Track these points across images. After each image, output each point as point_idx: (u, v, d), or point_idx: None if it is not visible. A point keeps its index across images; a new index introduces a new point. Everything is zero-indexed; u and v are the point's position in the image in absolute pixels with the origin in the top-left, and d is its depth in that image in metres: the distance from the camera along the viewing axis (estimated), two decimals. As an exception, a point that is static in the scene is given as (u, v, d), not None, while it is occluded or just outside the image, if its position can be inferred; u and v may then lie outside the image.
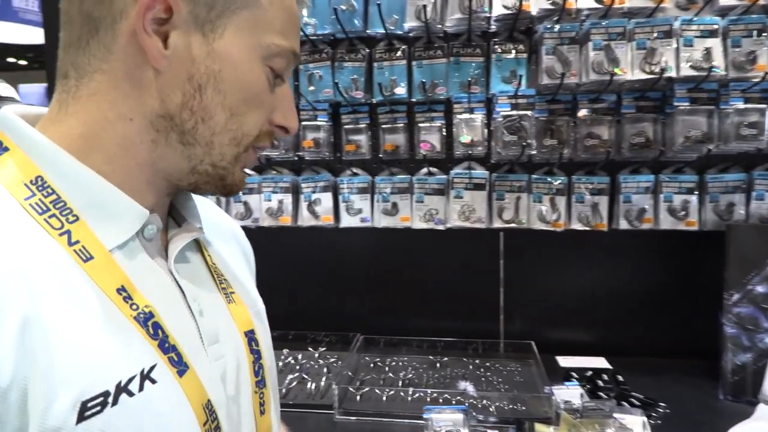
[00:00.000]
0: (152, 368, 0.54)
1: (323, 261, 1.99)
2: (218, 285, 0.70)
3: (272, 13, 0.60)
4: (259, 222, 1.88)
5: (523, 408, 1.44)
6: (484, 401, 1.46)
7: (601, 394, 1.54)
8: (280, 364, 1.73)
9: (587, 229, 1.72)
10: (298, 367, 1.70)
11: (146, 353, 0.54)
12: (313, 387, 1.55)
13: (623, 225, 1.70)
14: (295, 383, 1.59)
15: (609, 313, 1.86)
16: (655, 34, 1.57)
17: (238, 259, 0.82)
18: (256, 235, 1.88)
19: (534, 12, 1.64)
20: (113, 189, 0.57)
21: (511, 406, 1.44)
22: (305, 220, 1.86)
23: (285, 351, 1.80)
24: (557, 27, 1.62)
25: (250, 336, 0.70)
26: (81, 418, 0.48)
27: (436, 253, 1.94)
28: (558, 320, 1.90)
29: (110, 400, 0.50)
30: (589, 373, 1.67)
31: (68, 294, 0.51)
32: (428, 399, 1.48)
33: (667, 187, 1.67)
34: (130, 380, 0.52)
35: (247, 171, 1.87)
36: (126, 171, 0.58)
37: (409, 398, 1.49)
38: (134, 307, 0.55)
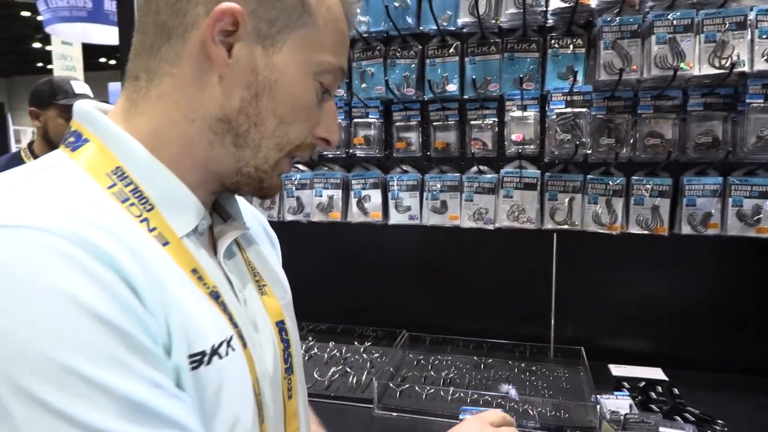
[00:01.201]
0: (231, 338, 0.60)
1: (372, 257, 2.01)
2: (253, 278, 0.74)
3: (325, 34, 0.65)
4: (311, 217, 1.92)
5: (567, 415, 1.39)
6: (526, 406, 1.43)
7: (652, 406, 1.46)
8: (326, 356, 1.76)
9: (646, 233, 1.64)
10: (342, 361, 1.73)
11: (225, 325, 0.61)
12: (354, 381, 1.57)
13: (686, 230, 1.60)
14: (337, 376, 1.61)
15: (668, 323, 1.76)
16: (727, 26, 1.46)
17: (269, 251, 0.85)
18: (307, 229, 1.96)
19: (593, 5, 1.58)
20: (180, 183, 0.62)
21: (553, 413, 1.40)
22: (354, 216, 1.88)
23: (331, 344, 1.84)
24: (617, 20, 1.54)
25: (281, 326, 0.74)
26: (190, 368, 0.55)
27: (486, 252, 1.90)
28: (612, 327, 1.82)
29: (205, 359, 0.56)
30: (642, 383, 1.59)
31: (165, 267, 0.56)
32: (468, 400, 1.46)
33: (736, 191, 1.56)
34: (220, 345, 0.58)
35: (300, 167, 1.93)
36: (185, 168, 0.63)
37: (449, 398, 1.47)
38: (206, 285, 0.61)
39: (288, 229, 1.93)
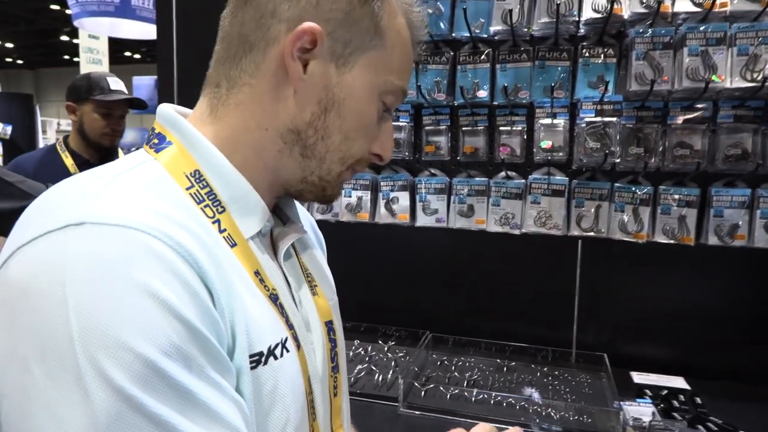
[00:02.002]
0: (285, 340, 0.64)
1: (398, 258, 2.04)
2: (306, 279, 0.77)
3: (393, 56, 0.68)
4: (339, 217, 1.96)
5: (590, 420, 1.41)
6: (549, 410, 1.45)
7: (675, 414, 1.47)
8: (351, 354, 1.80)
9: (672, 242, 1.65)
10: (367, 359, 1.77)
11: (281, 327, 0.64)
12: (380, 379, 1.61)
13: (712, 240, 1.62)
14: (363, 373, 1.65)
15: (692, 332, 1.77)
16: (760, 40, 1.47)
17: (319, 253, 0.89)
18: (335, 228, 2.00)
19: (626, 16, 1.59)
20: (250, 188, 0.65)
21: (576, 418, 1.42)
22: (382, 217, 1.92)
23: (356, 342, 1.88)
24: (650, 31, 1.56)
25: (329, 326, 0.77)
26: (249, 367, 0.58)
27: (511, 257, 1.93)
28: (636, 335, 1.84)
29: (263, 360, 0.59)
30: (665, 392, 1.61)
31: (230, 270, 0.59)
32: (492, 402, 1.50)
33: (765, 203, 1.57)
34: (276, 346, 0.61)
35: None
36: (256, 173, 0.67)
37: (473, 399, 1.51)
38: (266, 288, 0.64)
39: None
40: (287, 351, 0.63)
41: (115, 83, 2.49)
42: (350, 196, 1.94)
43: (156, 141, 0.65)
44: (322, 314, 0.76)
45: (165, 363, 0.47)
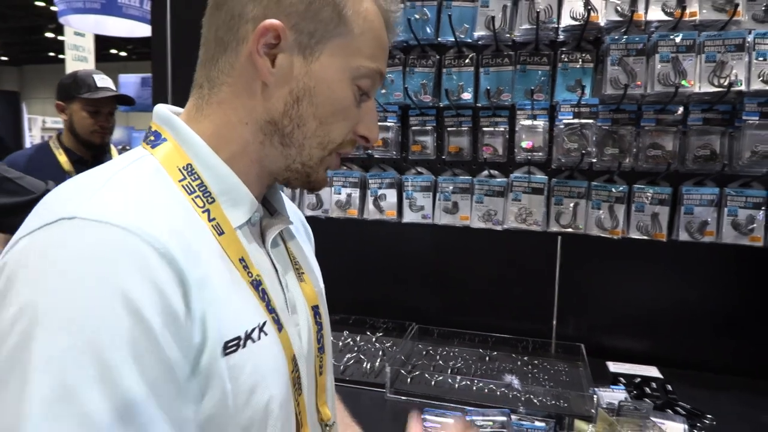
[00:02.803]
0: (264, 323, 0.67)
1: (385, 253, 2.12)
2: (293, 266, 0.82)
3: (362, 41, 0.71)
4: (329, 213, 2.03)
5: (566, 405, 1.50)
6: (529, 395, 1.54)
7: (646, 399, 1.56)
8: (340, 344, 1.87)
9: (645, 238, 1.74)
10: (356, 348, 1.84)
11: (260, 311, 0.67)
12: (368, 367, 1.68)
13: (683, 236, 1.71)
14: (352, 362, 1.72)
15: (666, 325, 1.86)
16: (726, 48, 1.57)
17: (305, 243, 0.95)
18: (325, 225, 2.07)
19: (602, 23, 1.68)
20: (238, 180, 0.70)
21: (553, 402, 1.51)
22: (371, 213, 1.99)
23: (345, 332, 1.95)
24: (624, 38, 1.65)
25: (315, 310, 0.82)
26: (224, 353, 0.61)
27: (493, 252, 2.01)
28: (612, 327, 1.93)
29: (241, 343, 0.63)
30: (638, 379, 1.70)
31: (214, 259, 0.63)
32: (474, 388, 1.58)
33: (732, 201, 1.66)
34: (253, 330, 0.65)
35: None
36: (243, 165, 0.71)
37: (456, 386, 1.59)
38: (250, 274, 0.68)
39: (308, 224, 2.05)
40: (265, 334, 0.67)
41: (102, 80, 2.50)
42: (340, 193, 2.01)
43: (152, 138, 0.70)
44: (309, 299, 0.81)
45: (114, 361, 0.50)
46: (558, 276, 1.98)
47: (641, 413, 1.24)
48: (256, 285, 0.68)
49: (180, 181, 0.66)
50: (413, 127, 1.97)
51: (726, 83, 1.56)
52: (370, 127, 0.76)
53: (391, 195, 1.97)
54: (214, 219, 0.66)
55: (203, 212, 0.65)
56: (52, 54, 18.07)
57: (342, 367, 1.69)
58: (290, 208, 0.95)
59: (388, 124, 1.97)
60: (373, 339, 1.93)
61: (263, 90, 0.69)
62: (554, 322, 1.99)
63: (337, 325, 2.05)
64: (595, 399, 1.43)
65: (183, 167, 0.67)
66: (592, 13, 1.66)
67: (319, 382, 0.82)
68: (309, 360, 0.78)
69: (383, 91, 1.95)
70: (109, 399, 0.49)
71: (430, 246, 2.08)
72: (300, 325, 0.77)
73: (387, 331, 2.02)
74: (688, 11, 1.59)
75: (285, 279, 0.76)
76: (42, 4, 13.02)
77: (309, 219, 2.08)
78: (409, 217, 1.97)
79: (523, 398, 1.53)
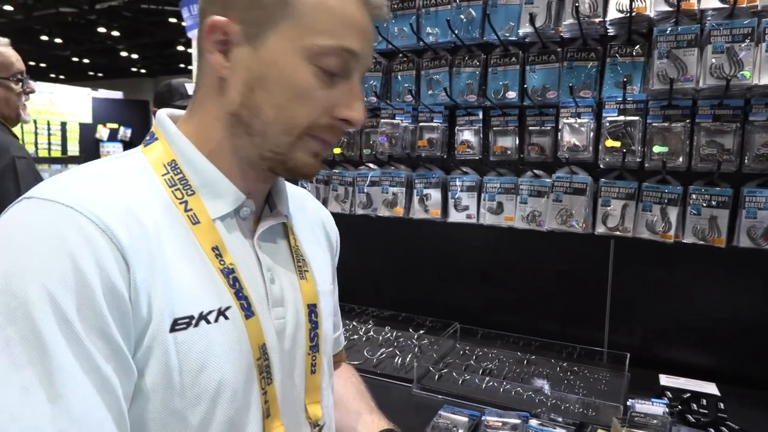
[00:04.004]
0: (227, 308, 0.70)
1: (432, 251, 2.14)
2: (295, 263, 0.84)
3: (313, 18, 0.69)
4: (377, 212, 2.09)
5: (594, 414, 1.44)
6: (556, 401, 1.49)
7: (688, 416, 1.46)
8: (380, 338, 1.93)
9: (702, 243, 1.62)
10: (395, 344, 1.89)
11: (225, 297, 0.71)
12: (399, 362, 1.72)
13: (745, 242, 1.56)
14: (385, 356, 1.77)
15: (726, 338, 1.72)
16: (791, 35, 1.41)
17: (320, 245, 0.97)
18: (375, 223, 2.14)
19: (652, 14, 1.59)
20: (219, 174, 0.74)
21: (581, 410, 1.45)
22: (416, 212, 2.03)
23: (387, 328, 2.00)
24: (673, 29, 1.54)
25: (312, 308, 0.83)
26: (172, 329, 0.65)
27: (543, 254, 1.96)
28: (669, 338, 1.81)
29: (193, 322, 0.67)
30: (687, 395, 1.58)
31: (180, 244, 0.69)
32: (501, 390, 1.56)
33: (802, 205, 1.50)
34: (210, 312, 0.69)
35: (371, 165, 2.11)
36: (223, 159, 0.75)
37: (483, 386, 1.58)
38: (222, 262, 0.72)
39: (358, 222, 2.13)
40: (226, 318, 0.70)
41: (192, 88, 2.77)
42: (387, 192, 2.07)
43: (147, 138, 0.79)
44: (306, 297, 0.82)
45: (38, 310, 0.56)
46: (611, 281, 1.89)
47: (656, 426, 1.17)
48: (227, 273, 0.72)
49: (163, 175, 0.73)
50: (459, 127, 1.98)
51: (789, 74, 1.40)
52: (351, 107, 0.74)
53: (436, 194, 1.99)
54: (190, 210, 0.72)
55: (180, 203, 0.72)
56: (182, 65, 19.91)
57: (375, 360, 1.75)
58: (310, 207, 0.99)
59: (434, 124, 2.00)
60: (415, 336, 1.96)
61: (223, 85, 0.73)
62: (606, 330, 1.90)
63: (385, 321, 2.11)
64: (620, 409, 1.36)
65: (167, 163, 0.74)
66: (639, 4, 1.58)
67: (312, 380, 0.83)
68: (291, 355, 0.80)
69: (430, 92, 1.98)
70: (53, 327, 0.56)
71: (478, 246, 2.08)
72: (285, 318, 0.79)
73: (432, 329, 2.04)
74: (747, -4, 1.46)
75: (271, 273, 0.78)
76: (174, 20, 14.39)
77: (359, 218, 2.18)
78: (454, 216, 1.98)
79: (549, 404, 1.49)
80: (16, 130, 2.19)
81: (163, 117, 0.79)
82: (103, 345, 0.60)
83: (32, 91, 2.18)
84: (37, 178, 1.96)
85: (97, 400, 0.59)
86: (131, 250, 0.63)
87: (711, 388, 1.64)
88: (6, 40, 2.09)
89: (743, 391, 1.62)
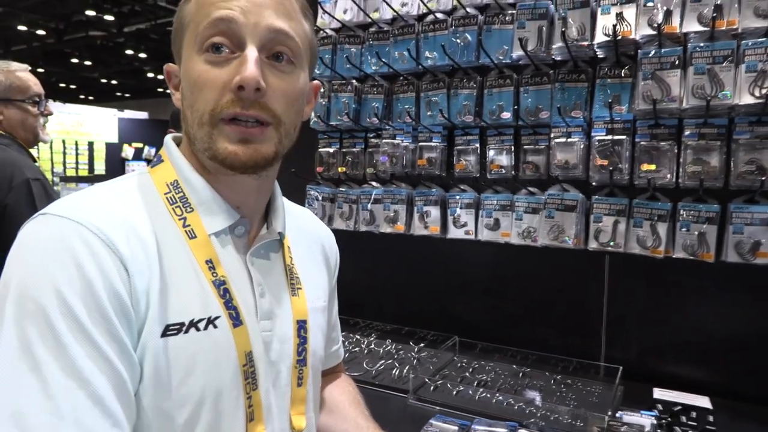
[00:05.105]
0: (217, 318, 0.76)
1: (432, 267, 2.20)
2: (288, 280, 0.89)
3: (195, 19, 0.78)
4: (380, 228, 2.17)
5: (582, 425, 1.48)
6: (546, 412, 1.54)
7: (676, 428, 1.49)
8: (381, 351, 1.99)
9: (691, 258, 1.65)
10: (395, 356, 1.95)
11: (215, 307, 0.77)
12: (396, 373, 1.78)
13: (732, 257, 1.60)
14: (383, 368, 1.84)
15: (719, 352, 1.74)
16: (769, 56, 1.46)
17: (317, 263, 1.02)
18: (378, 239, 2.21)
19: (637, 38, 1.65)
20: (213, 193, 0.81)
21: (570, 421, 1.49)
22: (416, 229, 2.10)
23: (388, 341, 2.07)
24: (657, 51, 1.60)
25: (301, 324, 0.89)
26: (163, 334, 0.72)
27: (540, 269, 2.01)
28: (663, 351, 1.83)
29: (183, 329, 0.73)
30: (678, 407, 1.61)
31: (176, 257, 0.76)
32: (493, 401, 1.61)
33: (788, 220, 1.53)
34: (200, 320, 0.75)
35: (374, 183, 2.19)
36: (209, 176, 0.82)
37: (476, 397, 1.63)
38: (214, 274, 0.78)
39: (361, 239, 2.21)
40: (215, 327, 0.76)
41: None
42: (389, 210, 2.14)
43: (155, 160, 0.88)
44: (296, 313, 0.88)
45: (54, 312, 0.63)
46: (606, 296, 1.92)
47: (632, 435, 1.21)
48: (218, 284, 0.78)
49: (165, 194, 0.81)
50: (458, 147, 2.05)
51: (765, 93, 1.45)
52: (240, 72, 0.74)
53: (436, 212, 2.06)
54: (188, 225, 0.79)
55: (179, 219, 0.79)
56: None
57: (374, 372, 1.81)
58: (309, 226, 1.05)
59: (433, 144, 2.07)
60: (415, 349, 2.02)
61: (184, 113, 0.83)
62: (603, 344, 1.94)
63: (387, 334, 2.17)
64: (605, 420, 1.40)
65: (170, 183, 0.82)
66: (624, 29, 1.64)
67: (298, 392, 0.88)
68: (277, 365, 0.85)
69: (429, 113, 2.06)
70: (67, 325, 0.64)
71: (477, 261, 2.13)
72: (273, 331, 0.84)
73: (432, 343, 2.10)
74: (726, 20, 1.51)
75: (261, 287, 0.84)
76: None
77: (363, 234, 2.25)
78: (453, 233, 2.04)
79: (539, 414, 1.54)
80: (45, 150, 2.33)
81: (168, 141, 0.87)
82: (113, 341, 0.67)
83: (50, 114, 2.31)
84: (51, 198, 2.08)
85: (110, 391, 0.66)
86: (131, 261, 0.70)
87: (704, 402, 1.66)
88: (25, 66, 2.23)
89: (736, 405, 1.64)
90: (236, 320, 0.78)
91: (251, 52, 0.75)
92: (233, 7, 0.75)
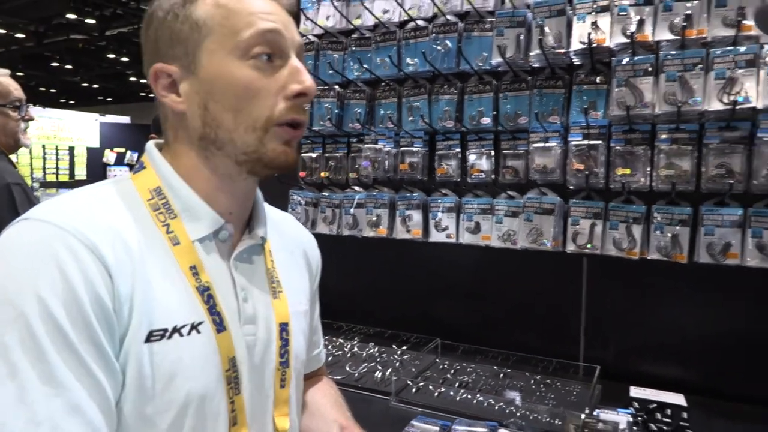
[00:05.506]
0: (200, 323, 0.77)
1: (415, 270, 2.23)
2: (270, 284, 0.90)
3: (228, 23, 0.78)
4: (363, 232, 2.19)
5: (560, 423, 1.51)
6: (526, 412, 1.57)
7: (651, 425, 1.53)
8: (364, 354, 2.01)
9: (665, 259, 1.70)
10: (378, 359, 1.97)
11: (198, 312, 0.77)
12: (379, 376, 1.80)
13: (704, 259, 1.65)
14: (366, 371, 1.86)
15: (693, 351, 1.79)
16: (736, 64, 1.52)
17: (298, 268, 1.02)
18: (360, 244, 2.24)
19: (612, 45, 1.70)
20: (198, 199, 0.81)
21: (548, 420, 1.53)
22: (399, 233, 2.12)
23: (371, 344, 2.09)
24: (630, 59, 1.65)
25: (283, 327, 0.89)
26: (147, 340, 0.72)
27: (520, 271, 2.04)
28: (639, 351, 1.88)
29: (167, 335, 0.73)
30: (653, 405, 1.65)
31: (160, 263, 0.76)
32: (474, 401, 1.64)
33: (756, 222, 1.58)
34: (183, 326, 0.75)
35: (356, 188, 2.22)
36: (201, 183, 0.82)
37: (458, 398, 1.66)
38: (198, 280, 0.78)
39: (344, 243, 2.23)
40: (198, 332, 0.76)
41: None
42: (371, 214, 2.17)
43: (137, 166, 0.88)
44: (278, 316, 0.88)
45: (34, 318, 0.64)
46: (584, 297, 1.97)
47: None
48: (202, 290, 0.79)
49: (149, 200, 0.81)
50: (439, 152, 2.08)
51: (732, 100, 1.50)
52: (298, 82, 0.79)
53: (418, 216, 2.09)
54: (172, 232, 0.79)
55: (163, 225, 0.79)
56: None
57: (356, 374, 1.83)
58: (292, 231, 1.06)
59: (415, 149, 2.10)
60: (398, 352, 2.04)
61: (184, 118, 0.82)
62: (582, 344, 1.98)
63: (371, 338, 2.19)
64: (581, 418, 1.44)
65: (153, 189, 0.82)
66: (599, 36, 1.69)
67: (281, 394, 0.89)
68: (260, 369, 0.85)
69: (410, 118, 2.09)
70: (47, 331, 0.64)
71: (459, 265, 2.16)
72: (256, 335, 0.85)
73: (415, 345, 2.12)
74: (696, 29, 1.57)
75: (244, 292, 0.85)
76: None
77: (346, 239, 2.26)
78: (435, 236, 2.07)
79: (519, 414, 1.57)
80: (24, 155, 2.32)
81: (150, 147, 0.87)
82: (93, 349, 0.67)
83: (31, 119, 2.30)
84: (32, 203, 2.07)
85: (88, 398, 0.66)
86: (115, 267, 0.71)
87: (679, 399, 1.71)
88: (6, 71, 2.22)
89: (709, 402, 1.68)
90: (220, 326, 0.79)
91: (299, 63, 0.81)
92: (275, 20, 0.80)
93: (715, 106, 1.54)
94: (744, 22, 1.51)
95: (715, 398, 1.70)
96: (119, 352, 0.71)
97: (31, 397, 0.63)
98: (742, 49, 1.52)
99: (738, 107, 1.50)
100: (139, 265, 0.74)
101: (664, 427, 1.53)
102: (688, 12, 1.58)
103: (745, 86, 1.50)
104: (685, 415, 1.60)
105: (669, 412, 1.62)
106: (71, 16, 10.53)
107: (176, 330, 0.75)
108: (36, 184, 8.07)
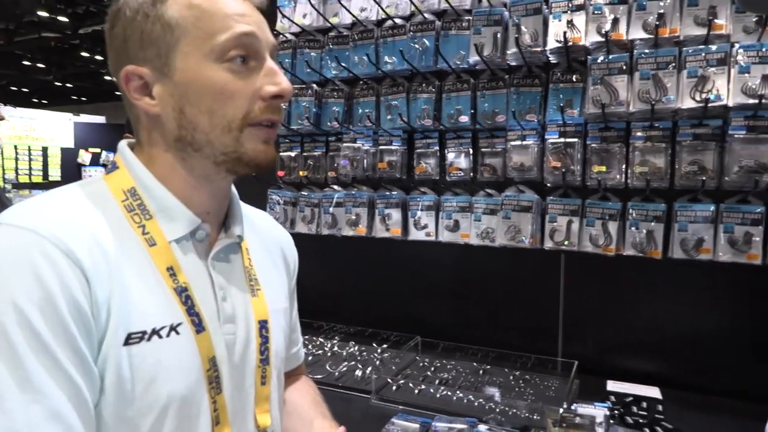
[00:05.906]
0: (179, 324, 0.77)
1: (394, 269, 2.23)
2: (248, 282, 0.90)
3: (201, 26, 0.77)
4: (342, 231, 2.18)
5: (538, 418, 1.52)
6: (505, 408, 1.58)
7: (627, 418, 1.55)
8: (344, 353, 2.01)
9: (640, 255, 1.73)
10: (358, 357, 1.97)
11: (177, 314, 0.77)
12: (359, 374, 1.80)
13: (678, 254, 1.68)
14: (346, 370, 1.85)
15: (668, 345, 1.82)
16: (708, 62, 1.54)
17: (276, 266, 1.02)
18: (340, 243, 2.23)
19: (588, 44, 1.72)
20: (174, 200, 0.81)
21: (527, 415, 1.54)
22: (378, 231, 2.12)
23: (351, 343, 2.08)
24: (604, 58, 1.67)
25: (263, 324, 0.89)
26: (126, 342, 0.71)
27: (499, 268, 2.06)
28: (616, 346, 1.90)
29: (146, 337, 0.73)
30: (629, 398, 1.68)
31: (137, 265, 0.75)
32: (454, 398, 1.64)
33: (728, 218, 1.61)
34: (162, 328, 0.75)
35: (335, 187, 2.21)
36: (177, 184, 0.82)
37: (438, 395, 1.66)
38: (176, 281, 0.78)
39: (324, 242, 2.22)
40: (177, 333, 0.76)
41: None
42: (350, 213, 2.16)
43: (110, 167, 0.86)
44: (257, 313, 0.88)
45: (11, 324, 0.63)
46: (562, 294, 1.99)
47: (586, 426, 1.26)
48: (180, 291, 0.78)
49: (123, 201, 0.80)
50: (418, 150, 2.08)
51: (704, 98, 1.53)
52: (274, 84, 0.80)
53: (397, 214, 2.09)
54: (148, 233, 0.78)
55: (138, 227, 0.78)
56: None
57: (337, 373, 1.82)
58: (269, 230, 1.05)
59: (394, 147, 2.10)
60: (378, 350, 2.04)
61: (159, 120, 0.81)
62: (560, 340, 2.00)
63: (351, 336, 2.19)
64: (558, 412, 1.45)
65: (127, 190, 0.81)
66: (575, 35, 1.71)
67: (262, 391, 0.89)
68: (241, 367, 0.86)
69: (389, 117, 2.09)
70: (24, 338, 0.63)
71: (438, 263, 2.17)
72: (236, 334, 0.85)
73: (396, 343, 2.12)
74: (668, 28, 1.59)
75: (223, 291, 0.85)
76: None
77: (326, 238, 2.25)
78: (414, 234, 2.07)
79: (498, 410, 1.58)
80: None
81: (123, 147, 0.85)
82: (72, 354, 0.66)
83: (2, 119, 2.26)
84: (4, 205, 2.03)
85: (68, 404, 0.65)
86: (92, 271, 0.70)
87: (654, 392, 1.74)
88: None
89: (683, 395, 1.71)
90: (199, 326, 0.79)
91: (274, 64, 0.81)
92: (250, 23, 0.80)
93: (688, 103, 1.57)
94: (715, 21, 1.54)
95: (689, 391, 1.73)
96: (98, 356, 0.71)
97: (10, 404, 0.62)
98: (714, 47, 1.55)
99: (710, 105, 1.52)
100: (116, 267, 0.73)
101: (640, 420, 1.55)
102: (661, 11, 1.61)
103: (717, 84, 1.53)
104: (660, 407, 1.63)
105: (645, 405, 1.65)
106: (43, 13, 10.31)
107: (155, 332, 0.74)
108: (8, 186, 7.87)
